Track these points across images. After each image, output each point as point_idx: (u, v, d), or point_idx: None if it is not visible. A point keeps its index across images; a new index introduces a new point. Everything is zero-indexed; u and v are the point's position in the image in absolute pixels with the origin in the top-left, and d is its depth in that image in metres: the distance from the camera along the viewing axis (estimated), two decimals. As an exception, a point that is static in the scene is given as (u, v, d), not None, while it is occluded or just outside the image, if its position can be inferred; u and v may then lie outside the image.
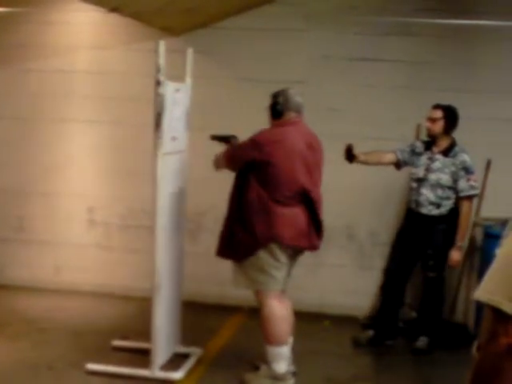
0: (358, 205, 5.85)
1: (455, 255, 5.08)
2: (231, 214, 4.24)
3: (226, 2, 5.47)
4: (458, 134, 5.15)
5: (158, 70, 4.10)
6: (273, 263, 4.16)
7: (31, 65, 6.17)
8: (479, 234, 5.62)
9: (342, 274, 5.93)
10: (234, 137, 4.48)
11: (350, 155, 5.05)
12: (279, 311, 4.22)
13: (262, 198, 4.08)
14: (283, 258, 4.19)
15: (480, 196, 5.48)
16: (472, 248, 5.67)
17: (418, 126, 5.62)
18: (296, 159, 4.13)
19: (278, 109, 4.24)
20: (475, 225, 5.57)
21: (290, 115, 4.25)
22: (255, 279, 4.19)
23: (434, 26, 5.68)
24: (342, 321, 5.74)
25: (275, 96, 4.28)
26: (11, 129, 6.27)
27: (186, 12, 5.29)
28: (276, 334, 4.20)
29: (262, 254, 4.13)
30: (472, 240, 5.64)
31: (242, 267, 4.22)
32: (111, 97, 6.06)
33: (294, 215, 4.14)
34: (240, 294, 5.23)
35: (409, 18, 5.70)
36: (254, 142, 4.13)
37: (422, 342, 5.18)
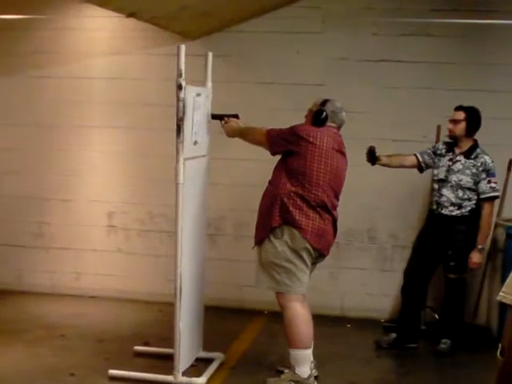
0: (379, 207, 5.82)
1: (475, 257, 5.03)
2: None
3: (241, 5, 5.46)
4: (478, 135, 5.10)
5: (179, 75, 4.06)
6: (302, 267, 4.17)
7: (49, 71, 6.19)
8: (501, 235, 5.55)
9: (364, 277, 5.90)
10: (235, 115, 4.52)
11: (373, 157, 5.04)
12: (303, 314, 4.20)
13: (292, 192, 4.11)
14: (309, 261, 4.20)
15: (502, 197, 5.43)
16: (494, 249, 5.61)
17: (439, 127, 5.57)
18: (324, 161, 4.14)
19: (323, 118, 4.22)
20: (497, 226, 5.52)
21: (331, 125, 4.27)
22: (281, 281, 4.17)
23: (452, 26, 5.64)
24: (363, 324, 5.71)
25: (323, 104, 4.27)
26: (30, 135, 6.28)
27: (202, 16, 5.28)
28: (300, 337, 4.18)
29: (293, 258, 4.13)
30: (494, 241, 5.59)
31: (268, 268, 4.20)
32: (130, 102, 6.07)
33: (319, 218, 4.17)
34: (260, 298, 5.23)
35: (426, 19, 5.66)
36: (293, 131, 4.16)
37: (444, 344, 5.14)
